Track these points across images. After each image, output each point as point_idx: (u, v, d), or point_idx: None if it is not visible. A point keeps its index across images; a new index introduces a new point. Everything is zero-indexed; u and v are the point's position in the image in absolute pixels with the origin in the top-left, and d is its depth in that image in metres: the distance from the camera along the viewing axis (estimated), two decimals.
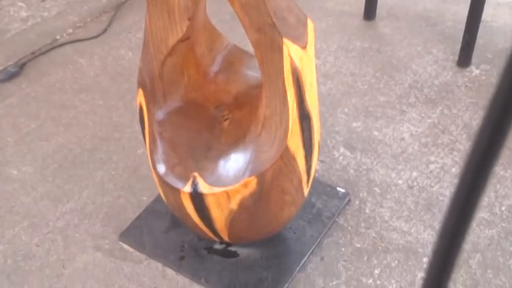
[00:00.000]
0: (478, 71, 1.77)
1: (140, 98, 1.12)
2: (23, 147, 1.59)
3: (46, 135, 1.62)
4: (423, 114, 1.64)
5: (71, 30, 2.04)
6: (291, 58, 0.94)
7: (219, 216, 1.10)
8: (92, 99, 1.74)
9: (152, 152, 1.12)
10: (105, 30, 2.03)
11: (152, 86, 1.11)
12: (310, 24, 1.00)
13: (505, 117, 0.32)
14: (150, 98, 1.11)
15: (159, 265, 1.29)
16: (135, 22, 2.09)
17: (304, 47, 0.98)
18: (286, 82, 0.96)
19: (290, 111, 0.97)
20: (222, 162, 1.09)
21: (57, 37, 2.00)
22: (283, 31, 0.93)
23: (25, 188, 1.47)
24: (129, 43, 1.97)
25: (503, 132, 0.33)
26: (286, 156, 1.01)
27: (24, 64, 1.86)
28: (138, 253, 1.31)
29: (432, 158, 1.50)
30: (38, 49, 1.93)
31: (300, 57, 0.96)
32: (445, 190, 1.42)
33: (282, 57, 0.94)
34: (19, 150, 1.58)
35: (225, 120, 1.14)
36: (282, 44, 0.93)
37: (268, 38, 0.94)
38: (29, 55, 1.89)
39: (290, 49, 0.94)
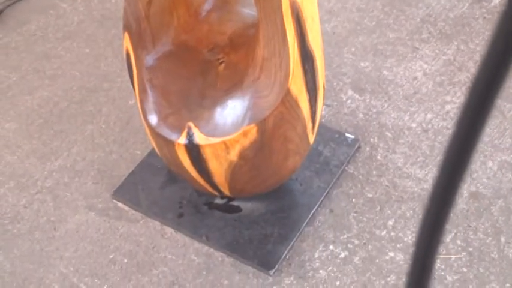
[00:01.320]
0: (497, 1, 1.72)
1: (126, 43, 1.08)
2: (5, 103, 1.55)
3: (29, 88, 1.59)
4: (437, 51, 1.59)
5: None
6: None
7: (218, 169, 1.07)
8: (78, 48, 1.70)
9: (143, 101, 1.09)
10: None
11: (139, 29, 1.07)
12: None
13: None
14: (138, 42, 1.07)
15: (157, 223, 1.27)
16: None
17: None
18: (285, 18, 0.92)
19: (290, 51, 0.93)
20: (218, 110, 1.05)
21: None
22: None
23: (9, 147, 1.45)
24: None
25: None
26: (288, 101, 0.97)
27: (1, 12, 1.81)
28: (133, 211, 1.30)
29: (448, 98, 1.47)
30: None
31: None
32: None
33: None
34: (1, 106, 1.54)
35: (220, 63, 1.10)
36: None
37: None
38: (6, 1, 1.84)
39: None
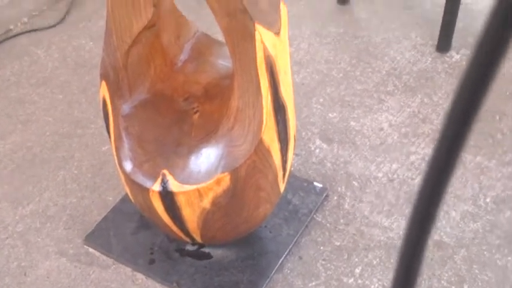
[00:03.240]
0: (458, 56, 1.78)
1: (104, 91, 1.10)
2: None
3: (2, 133, 1.59)
4: (402, 103, 1.64)
5: (25, 19, 2.00)
6: (264, 45, 0.93)
7: (191, 216, 1.08)
8: (51, 94, 1.71)
9: (118, 148, 1.10)
10: (63, 19, 2.00)
11: (116, 78, 1.09)
12: (283, 9, 0.99)
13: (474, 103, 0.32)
14: (115, 90, 1.09)
15: (128, 270, 1.27)
16: (95, 9, 2.05)
17: (277, 33, 0.97)
18: (259, 71, 0.95)
19: (264, 103, 0.96)
20: (192, 158, 1.07)
21: (11, 27, 1.96)
22: (255, 16, 0.92)
23: None
24: (89, 32, 1.94)
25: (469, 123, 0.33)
26: (260, 150, 1.00)
27: None
28: (105, 257, 1.29)
29: (413, 149, 1.51)
30: None
31: (273, 44, 0.95)
32: None
33: (255, 44, 0.93)
34: None
35: (195, 113, 1.13)
36: (254, 30, 0.92)
37: (240, 24, 0.92)
38: None
39: (263, 35, 0.93)
